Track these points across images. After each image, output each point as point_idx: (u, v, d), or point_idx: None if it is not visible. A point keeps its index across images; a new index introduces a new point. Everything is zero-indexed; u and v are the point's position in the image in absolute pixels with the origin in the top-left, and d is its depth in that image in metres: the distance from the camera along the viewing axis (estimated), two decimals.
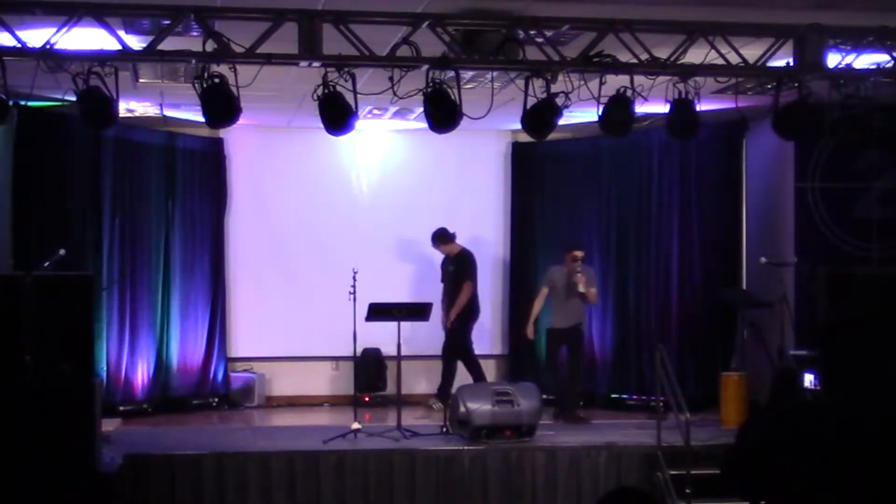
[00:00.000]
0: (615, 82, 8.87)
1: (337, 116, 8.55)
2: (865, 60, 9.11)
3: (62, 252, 9.73)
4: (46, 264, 9.50)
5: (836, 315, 9.80)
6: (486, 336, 13.93)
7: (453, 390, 11.18)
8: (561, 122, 9.09)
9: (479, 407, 10.16)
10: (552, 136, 9.34)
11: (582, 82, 8.75)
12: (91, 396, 8.90)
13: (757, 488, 3.60)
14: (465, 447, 9.95)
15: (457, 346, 12.39)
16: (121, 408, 11.94)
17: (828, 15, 8.52)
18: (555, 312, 11.73)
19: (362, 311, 10.86)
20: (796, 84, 9.18)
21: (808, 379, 9.83)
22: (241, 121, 8.64)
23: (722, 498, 9.21)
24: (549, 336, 11.85)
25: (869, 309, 9.30)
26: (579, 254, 11.62)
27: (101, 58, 8.12)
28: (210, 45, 8.14)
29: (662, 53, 8.74)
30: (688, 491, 9.29)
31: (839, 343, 3.95)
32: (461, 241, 12.66)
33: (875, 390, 3.73)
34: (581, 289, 11.50)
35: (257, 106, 10.25)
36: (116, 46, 8.10)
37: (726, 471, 3.69)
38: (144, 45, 8.31)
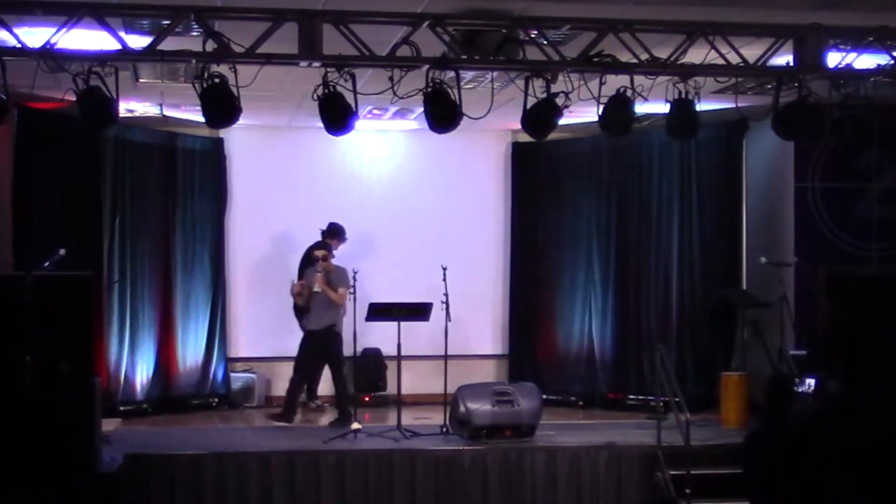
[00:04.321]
0: (615, 82, 8.87)
1: (337, 116, 8.55)
2: (865, 60, 9.11)
3: (62, 252, 9.73)
4: (46, 264, 9.51)
5: (837, 315, 9.79)
6: (487, 336, 13.94)
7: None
8: (561, 122, 9.09)
9: (479, 407, 10.16)
10: (552, 136, 9.33)
11: (582, 82, 8.75)
12: (91, 396, 8.90)
13: (795, 495, 3.56)
14: (465, 447, 9.96)
15: None
16: (121, 408, 11.94)
17: (828, 15, 8.52)
18: (308, 314, 11.62)
19: (362, 311, 10.86)
20: (796, 84, 9.18)
21: (809, 383, 9.81)
22: (241, 121, 8.64)
23: (722, 498, 9.29)
24: (302, 338, 11.70)
25: (869, 309, 9.29)
26: (318, 253, 11.60)
27: (101, 58, 8.12)
28: (210, 45, 8.14)
29: (662, 53, 8.74)
30: (688, 491, 9.29)
31: (851, 346, 3.95)
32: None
33: (888, 390, 3.72)
34: (316, 288, 11.37)
35: (257, 106, 10.25)
36: (116, 46, 8.10)
37: (753, 479, 3.65)
38: (144, 45, 8.31)
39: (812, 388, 9.71)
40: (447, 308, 11.00)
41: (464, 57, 8.54)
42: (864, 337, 4.00)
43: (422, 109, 8.83)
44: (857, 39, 8.92)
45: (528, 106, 8.89)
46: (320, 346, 11.53)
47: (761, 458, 3.68)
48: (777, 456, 3.60)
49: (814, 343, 10.39)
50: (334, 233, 12.45)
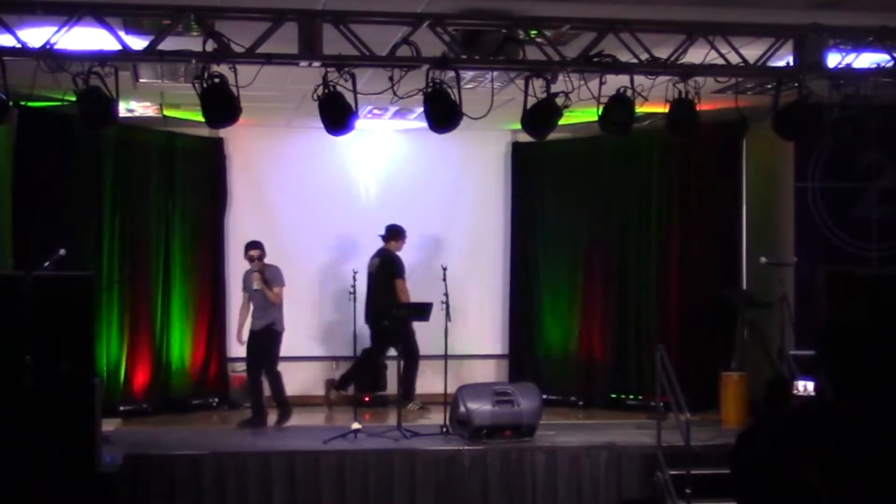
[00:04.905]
0: (615, 82, 8.87)
1: (337, 116, 8.55)
2: (865, 60, 9.11)
3: (62, 252, 9.74)
4: (46, 264, 9.51)
5: (837, 315, 9.80)
6: (487, 336, 13.93)
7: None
8: (561, 122, 9.09)
9: (479, 407, 10.16)
10: (552, 136, 9.34)
11: (582, 82, 8.75)
12: (91, 396, 8.90)
13: (772, 493, 3.57)
14: (465, 447, 9.96)
15: None
16: (121, 408, 11.94)
17: (828, 15, 8.52)
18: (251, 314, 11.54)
19: (362, 311, 10.86)
20: (796, 84, 9.18)
21: (804, 385, 9.81)
22: (241, 121, 8.64)
23: (722, 498, 9.28)
24: (248, 338, 11.58)
25: (869, 309, 9.30)
26: (253, 252, 11.42)
27: (101, 58, 8.12)
28: (210, 45, 8.14)
29: (662, 53, 8.74)
30: (688, 491, 9.29)
31: (843, 344, 3.95)
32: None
33: (882, 391, 3.72)
34: (256, 286, 11.27)
35: (257, 106, 10.25)
36: (116, 46, 8.10)
37: (737, 476, 3.65)
38: (144, 45, 8.31)
39: (812, 389, 9.72)
40: (447, 308, 11.01)
41: (464, 57, 8.54)
42: (860, 336, 4.00)
43: (422, 109, 8.83)
44: (857, 39, 8.92)
45: (528, 106, 8.89)
46: (258, 344, 11.39)
47: (745, 454, 3.70)
48: (757, 451, 3.62)
49: (815, 343, 10.39)
50: (395, 233, 12.45)
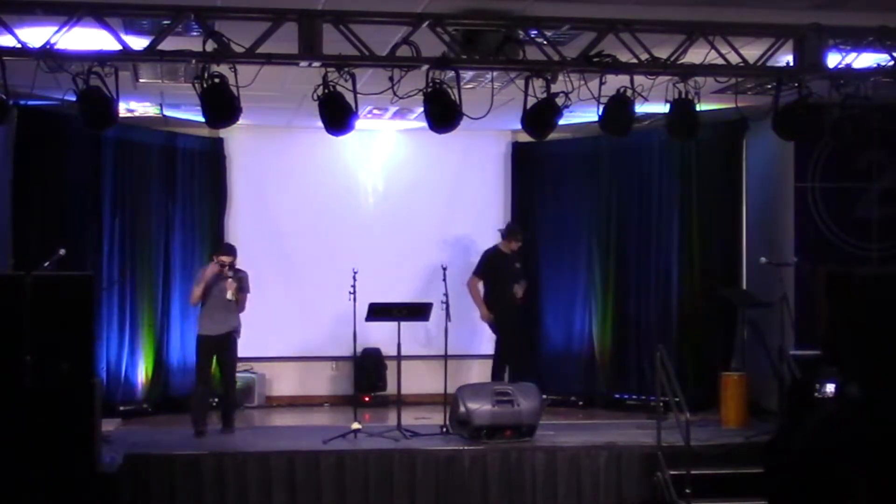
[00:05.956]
0: (615, 82, 8.87)
1: (337, 116, 8.54)
2: (865, 60, 9.11)
3: (62, 252, 9.73)
4: (46, 264, 9.50)
5: (837, 315, 9.78)
6: (487, 336, 13.91)
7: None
8: (561, 122, 9.09)
9: (479, 407, 10.17)
10: (552, 136, 9.33)
11: (582, 82, 8.75)
12: (91, 396, 8.89)
13: (813, 497, 3.57)
14: (465, 447, 9.96)
15: None
16: (121, 408, 11.95)
17: (828, 15, 8.52)
18: (205, 317, 10.93)
19: (362, 311, 10.86)
20: (796, 84, 9.18)
21: (829, 388, 9.73)
22: (241, 121, 8.64)
23: (722, 498, 9.29)
24: (199, 343, 10.93)
25: (869, 309, 9.28)
26: (225, 259, 10.84)
27: (101, 58, 8.12)
28: (210, 45, 8.13)
29: (662, 53, 8.74)
30: (688, 491, 9.30)
31: (859, 346, 3.96)
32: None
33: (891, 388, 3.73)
34: (230, 296, 10.74)
35: (257, 106, 10.25)
36: (116, 46, 8.10)
37: (773, 483, 3.66)
38: (144, 45, 8.31)
39: (832, 392, 9.66)
40: (447, 308, 11.00)
41: (464, 57, 8.53)
42: (868, 336, 4.02)
43: (422, 109, 8.83)
44: (857, 39, 8.92)
45: (528, 106, 8.89)
46: (220, 350, 10.93)
47: (780, 462, 3.70)
48: (796, 458, 3.62)
49: (820, 344, 10.35)
50: (505, 231, 12.33)
